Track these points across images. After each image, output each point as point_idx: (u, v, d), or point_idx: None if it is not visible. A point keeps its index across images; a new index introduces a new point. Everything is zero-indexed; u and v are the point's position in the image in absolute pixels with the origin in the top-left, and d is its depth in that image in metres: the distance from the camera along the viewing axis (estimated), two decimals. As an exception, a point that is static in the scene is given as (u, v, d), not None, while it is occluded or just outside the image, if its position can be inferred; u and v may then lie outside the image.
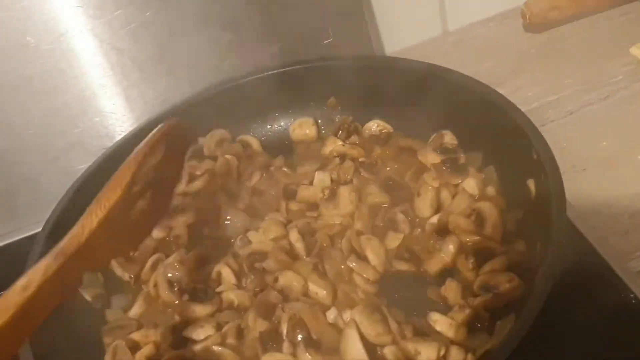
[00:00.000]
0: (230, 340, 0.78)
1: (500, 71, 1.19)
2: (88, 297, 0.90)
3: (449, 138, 0.96)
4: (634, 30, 1.14)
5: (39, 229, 0.91)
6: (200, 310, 0.82)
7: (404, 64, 1.04)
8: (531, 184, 0.81)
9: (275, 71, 1.09)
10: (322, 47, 1.17)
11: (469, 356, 0.69)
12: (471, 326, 0.73)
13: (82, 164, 1.03)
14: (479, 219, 0.83)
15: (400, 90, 1.02)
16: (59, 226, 0.90)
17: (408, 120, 1.03)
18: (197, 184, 1.00)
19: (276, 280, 0.82)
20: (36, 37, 1.03)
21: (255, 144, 1.08)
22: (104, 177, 0.98)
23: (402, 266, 0.83)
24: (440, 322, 0.72)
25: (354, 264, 0.82)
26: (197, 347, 0.78)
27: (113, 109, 1.11)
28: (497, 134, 0.88)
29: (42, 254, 0.84)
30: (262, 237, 0.88)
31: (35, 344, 0.75)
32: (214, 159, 1.05)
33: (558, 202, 0.72)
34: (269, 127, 1.13)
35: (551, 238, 0.69)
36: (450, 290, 0.77)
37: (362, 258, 0.83)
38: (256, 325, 0.78)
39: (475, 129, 0.93)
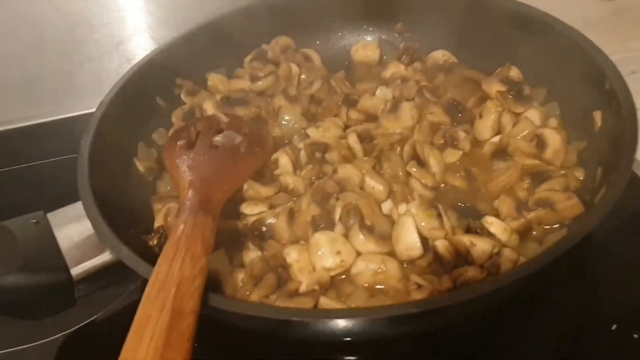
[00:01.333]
0: (282, 219, 0.80)
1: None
2: (141, 169, 0.92)
3: (515, 72, 0.97)
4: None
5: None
6: (264, 190, 0.83)
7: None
8: (597, 115, 0.82)
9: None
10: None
11: (522, 258, 0.70)
12: (524, 236, 0.74)
13: (145, 52, 1.04)
14: (541, 144, 0.84)
15: (469, 24, 1.03)
16: (116, 103, 0.92)
17: (474, 53, 1.03)
18: (261, 84, 1.02)
19: (335, 171, 0.83)
20: None
21: (316, 58, 1.09)
22: (164, 65, 1.02)
23: (457, 182, 0.84)
24: (495, 225, 0.73)
25: (414, 169, 0.83)
26: (250, 219, 0.80)
27: (185, 2, 1.12)
28: (565, 68, 0.89)
29: (100, 125, 0.88)
30: (322, 134, 0.90)
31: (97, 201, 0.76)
32: (277, 64, 1.06)
33: (630, 128, 0.72)
34: (330, 45, 1.14)
35: (620, 160, 0.70)
36: (504, 203, 0.79)
37: (421, 165, 0.84)
38: (309, 210, 0.80)
39: (542, 64, 0.94)
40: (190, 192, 0.73)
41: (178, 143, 0.86)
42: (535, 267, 0.61)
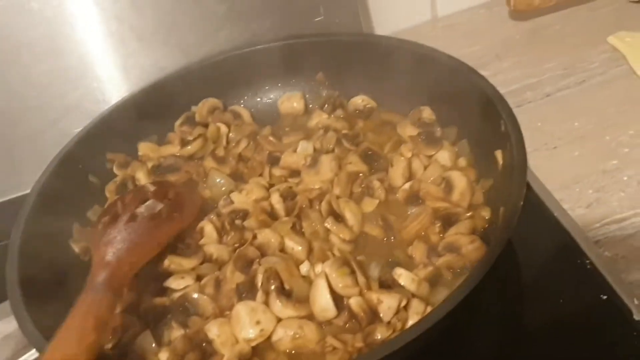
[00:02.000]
0: (209, 290, 0.83)
1: (485, 55, 1.24)
2: (77, 250, 0.95)
3: (427, 113, 1.01)
4: (613, 21, 1.19)
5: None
6: (185, 263, 0.87)
7: (390, 42, 1.09)
8: (499, 154, 0.86)
9: (268, 45, 1.13)
10: (313, 25, 1.21)
11: (428, 308, 0.73)
12: (434, 283, 0.78)
13: (80, 127, 1.08)
14: (448, 187, 0.88)
15: (385, 68, 1.07)
16: (47, 187, 0.95)
17: (391, 96, 1.07)
18: (190, 148, 1.06)
19: (255, 237, 0.87)
20: (40, 2, 1.07)
21: (245, 114, 1.13)
22: (94, 142, 1.05)
23: (375, 231, 0.87)
24: (404, 277, 0.77)
25: (330, 224, 0.86)
26: (176, 295, 0.83)
27: (111, 75, 1.16)
28: (471, 109, 0.93)
29: (31, 212, 0.91)
30: (244, 198, 0.93)
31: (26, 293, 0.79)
32: (206, 125, 1.10)
33: (519, 168, 0.76)
34: (258, 99, 1.18)
35: (509, 199, 0.73)
36: (417, 250, 0.82)
37: (338, 220, 0.88)
38: (233, 278, 0.83)
39: (452, 105, 0.98)
40: (99, 270, 0.77)
41: (102, 221, 0.89)
42: (434, 320, 0.64)
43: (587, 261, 0.81)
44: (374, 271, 0.81)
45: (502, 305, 0.84)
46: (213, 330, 0.76)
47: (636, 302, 0.77)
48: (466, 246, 0.79)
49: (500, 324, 0.84)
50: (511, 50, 1.22)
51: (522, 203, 0.72)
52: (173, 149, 1.08)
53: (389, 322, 0.72)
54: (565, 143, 0.99)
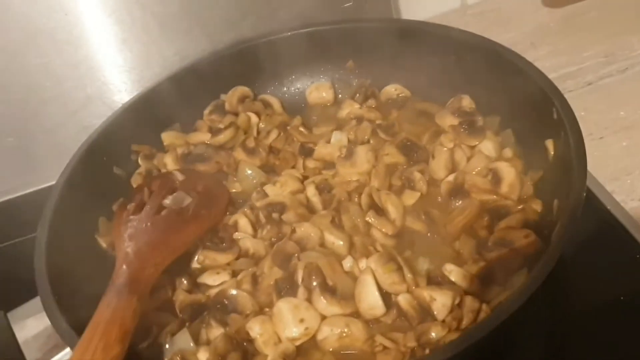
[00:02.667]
0: (246, 286, 0.79)
1: (519, 43, 1.19)
2: (104, 245, 0.92)
3: (466, 102, 0.97)
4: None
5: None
6: (220, 258, 0.83)
7: (424, 28, 1.05)
8: (550, 144, 0.82)
9: (295, 32, 1.09)
10: (342, 11, 1.17)
11: (484, 306, 0.69)
12: (485, 279, 0.74)
13: (101, 118, 1.04)
14: (496, 179, 0.83)
15: (419, 55, 1.03)
16: (72, 180, 0.92)
17: (426, 85, 1.03)
18: (222, 137, 1.01)
19: (294, 231, 0.83)
20: (61, -11, 1.03)
21: (276, 104, 1.09)
22: (117, 133, 1.01)
23: (417, 225, 0.83)
24: (455, 273, 0.73)
25: (372, 219, 0.82)
26: (213, 291, 0.79)
27: (133, 64, 1.12)
28: (516, 96, 0.89)
29: (57, 206, 0.87)
30: (279, 190, 0.89)
31: (55, 287, 0.76)
32: (236, 114, 1.06)
33: (579, 157, 0.72)
34: (285, 89, 1.14)
35: (571, 191, 0.69)
36: (465, 245, 0.78)
37: (380, 214, 0.84)
38: (272, 273, 0.79)
39: (494, 93, 0.94)
40: (123, 267, 0.74)
41: (127, 207, 0.85)
42: (495, 323, 0.61)
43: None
44: (422, 267, 0.77)
45: (552, 303, 0.80)
46: (255, 328, 0.72)
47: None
48: (520, 240, 0.75)
49: (550, 321, 0.80)
50: (546, 38, 1.18)
51: (584, 194, 0.68)
52: (203, 136, 1.03)
53: (443, 321, 0.68)
54: (611, 133, 0.95)
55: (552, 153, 0.81)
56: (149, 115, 1.05)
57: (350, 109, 1.05)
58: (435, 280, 0.74)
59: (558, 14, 1.23)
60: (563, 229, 0.67)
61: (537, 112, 0.84)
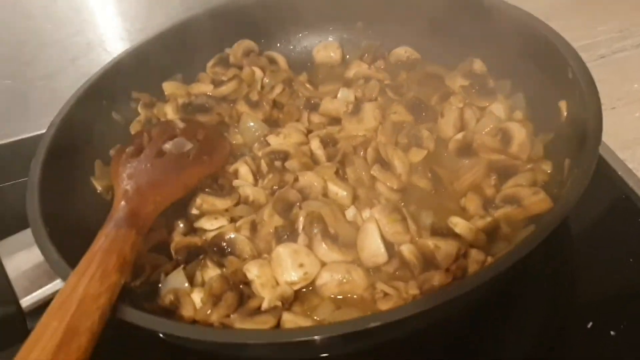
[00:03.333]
0: (244, 232, 0.77)
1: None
2: (99, 188, 0.89)
3: (478, 65, 0.95)
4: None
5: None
6: (220, 203, 0.80)
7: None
8: (563, 105, 0.80)
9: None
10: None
11: (489, 258, 0.67)
12: (491, 235, 0.72)
13: (100, 66, 1.01)
14: (506, 138, 0.82)
15: (429, 17, 1.00)
16: (69, 121, 0.89)
17: (437, 48, 1.01)
18: (224, 89, 0.99)
19: (296, 179, 0.80)
20: None
21: (281, 60, 1.06)
22: (118, 78, 0.98)
23: (422, 183, 0.81)
24: (461, 225, 0.71)
25: (378, 172, 0.80)
26: (210, 235, 0.77)
27: (136, 12, 1.09)
28: (528, 58, 0.87)
29: (52, 144, 0.84)
30: (282, 141, 0.87)
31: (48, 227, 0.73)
32: (240, 68, 1.03)
33: (595, 113, 0.70)
34: (291, 47, 1.11)
35: (585, 146, 0.67)
36: (471, 201, 0.76)
37: (385, 168, 0.81)
38: (272, 221, 0.77)
39: (505, 56, 0.92)
40: (122, 202, 0.72)
41: (126, 150, 0.83)
42: (501, 268, 0.59)
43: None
44: (426, 220, 0.75)
45: (556, 265, 0.79)
46: (253, 270, 0.70)
47: None
48: (529, 198, 0.73)
49: (553, 285, 0.78)
50: (561, 13, 1.16)
51: (599, 149, 0.66)
52: (205, 87, 1.01)
53: (447, 270, 0.66)
54: (624, 104, 0.94)
55: (565, 114, 0.79)
56: (151, 63, 1.02)
57: (358, 68, 1.02)
58: (440, 232, 0.72)
59: (572, -10, 1.21)
60: (577, 182, 0.65)
61: (550, 73, 0.83)
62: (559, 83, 0.80)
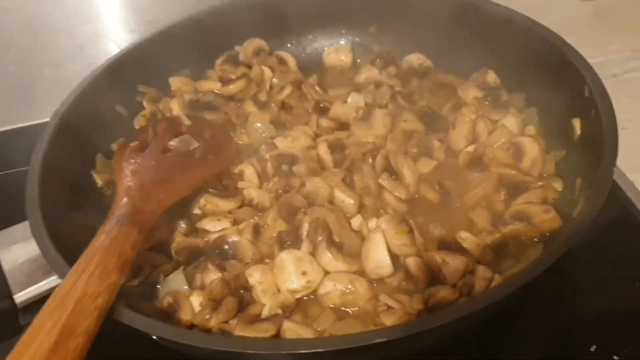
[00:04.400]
0: (247, 235, 0.75)
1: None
2: (100, 182, 0.87)
3: (492, 77, 0.94)
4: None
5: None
6: (223, 204, 0.79)
7: (454, -1, 1.01)
8: (577, 123, 0.78)
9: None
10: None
11: (497, 276, 0.66)
12: (499, 252, 0.71)
13: (107, 57, 0.99)
14: (518, 154, 0.80)
15: (445, 26, 0.99)
16: (73, 112, 0.87)
17: (450, 57, 1.00)
18: (232, 87, 0.98)
19: (303, 184, 0.79)
20: None
21: (291, 61, 1.05)
22: (125, 71, 0.96)
23: (430, 194, 0.79)
24: (469, 240, 0.69)
25: (386, 182, 0.79)
26: (212, 237, 0.75)
27: (148, 4, 1.07)
28: (543, 72, 0.86)
29: (54, 135, 0.82)
30: (290, 144, 0.85)
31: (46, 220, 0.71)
32: (249, 67, 1.02)
33: (611, 133, 0.69)
34: (302, 48, 1.10)
35: (600, 168, 0.66)
36: (480, 216, 0.75)
37: (394, 177, 0.80)
38: (276, 225, 0.75)
39: (520, 69, 0.90)
40: (124, 199, 0.70)
41: (130, 145, 0.81)
42: (508, 291, 0.57)
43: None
44: (434, 232, 0.73)
45: (560, 285, 0.77)
46: (255, 275, 0.68)
47: None
48: (539, 216, 0.71)
49: (556, 306, 0.77)
50: (575, 29, 1.14)
51: (615, 168, 0.65)
52: (213, 85, 0.99)
53: (454, 286, 0.65)
54: (636, 125, 0.92)
55: (579, 132, 0.78)
56: (159, 57, 1.00)
57: (369, 73, 1.01)
58: (447, 247, 0.71)
59: (589, 6, 1.20)
60: (588, 208, 0.64)
61: (565, 89, 0.81)
62: (574, 100, 0.79)
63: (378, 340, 0.53)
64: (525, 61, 0.89)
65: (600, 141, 0.69)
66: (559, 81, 0.83)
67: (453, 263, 0.66)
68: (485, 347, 0.71)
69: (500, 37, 0.93)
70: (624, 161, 0.87)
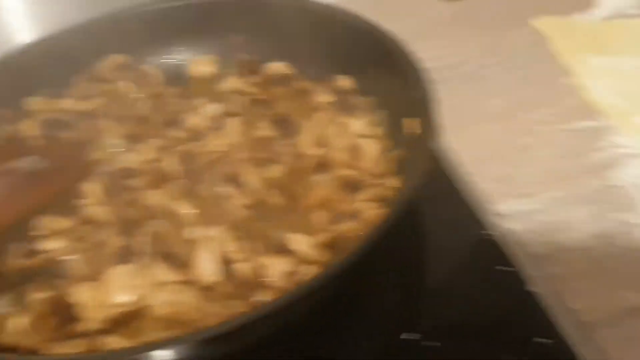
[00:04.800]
0: (85, 253, 0.74)
1: (407, 33, 1.19)
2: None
3: (345, 82, 0.96)
4: (536, 4, 1.18)
5: None
6: (57, 224, 0.77)
7: (308, 6, 1.03)
8: (415, 123, 0.81)
9: (178, 3, 1.05)
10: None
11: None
12: (335, 250, 0.72)
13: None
14: (357, 154, 0.82)
15: (303, 34, 1.01)
16: None
17: (309, 64, 1.02)
18: (88, 104, 0.96)
19: (142, 198, 0.78)
20: None
21: (152, 74, 1.04)
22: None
23: (275, 199, 0.80)
24: (293, 241, 0.70)
25: (227, 189, 0.79)
26: (44, 257, 0.73)
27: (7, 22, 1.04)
28: (387, 76, 0.88)
29: None
30: (134, 158, 0.85)
31: None
32: (109, 82, 1.01)
33: (426, 131, 0.71)
34: (164, 59, 1.09)
35: (416, 163, 0.69)
36: (318, 217, 0.76)
37: (236, 185, 0.80)
38: (115, 241, 0.74)
39: (370, 74, 0.93)
40: None
41: None
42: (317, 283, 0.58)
43: (489, 233, 0.79)
44: (270, 237, 0.74)
45: (404, 275, 0.80)
46: (78, 292, 0.67)
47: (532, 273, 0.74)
48: (368, 212, 0.73)
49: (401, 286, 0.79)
50: (435, 31, 1.19)
51: (428, 163, 0.68)
52: (69, 103, 0.98)
53: (278, 287, 0.65)
54: (483, 120, 0.97)
55: (413, 131, 0.81)
56: (14, 77, 0.98)
57: (230, 83, 1.02)
58: (280, 250, 0.71)
59: (451, 8, 1.25)
60: (401, 196, 0.66)
61: (404, 93, 0.84)
62: (411, 102, 0.81)
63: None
64: (375, 66, 0.92)
65: (422, 141, 0.72)
66: (399, 85, 0.85)
67: (273, 265, 0.66)
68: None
69: (351, 43, 0.95)
70: (466, 155, 0.91)
